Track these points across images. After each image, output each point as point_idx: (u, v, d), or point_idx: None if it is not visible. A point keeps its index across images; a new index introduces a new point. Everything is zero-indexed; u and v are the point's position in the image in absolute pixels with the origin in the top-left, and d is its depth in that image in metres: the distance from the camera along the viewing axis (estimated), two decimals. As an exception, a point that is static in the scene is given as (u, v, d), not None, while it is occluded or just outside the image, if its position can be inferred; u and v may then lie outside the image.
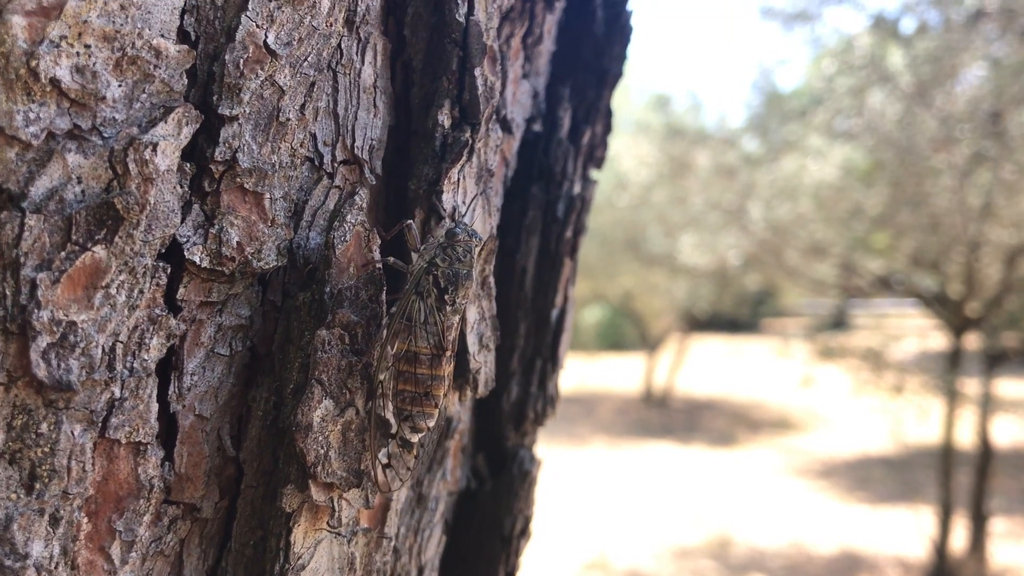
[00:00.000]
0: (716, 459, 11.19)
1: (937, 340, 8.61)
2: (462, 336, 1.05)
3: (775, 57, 6.11)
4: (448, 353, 1.00)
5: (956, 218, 6.65)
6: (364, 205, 1.01)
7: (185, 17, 0.89)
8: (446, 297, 0.98)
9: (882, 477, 10.03)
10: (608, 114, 1.32)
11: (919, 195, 6.61)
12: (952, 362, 7.11)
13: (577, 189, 1.24)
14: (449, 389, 1.03)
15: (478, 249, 1.00)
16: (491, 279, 1.08)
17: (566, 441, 12.24)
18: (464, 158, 1.01)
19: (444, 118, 0.99)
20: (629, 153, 8.06)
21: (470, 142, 1.00)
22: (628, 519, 8.26)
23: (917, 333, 13.11)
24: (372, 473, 1.00)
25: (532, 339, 1.26)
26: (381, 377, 1.00)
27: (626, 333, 24.20)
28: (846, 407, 13.82)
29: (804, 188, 7.05)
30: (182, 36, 0.90)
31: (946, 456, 7.15)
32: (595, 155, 1.34)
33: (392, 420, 1.02)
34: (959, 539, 7.14)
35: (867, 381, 7.21)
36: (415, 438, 1.03)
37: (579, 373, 17.75)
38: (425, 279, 0.99)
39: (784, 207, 7.14)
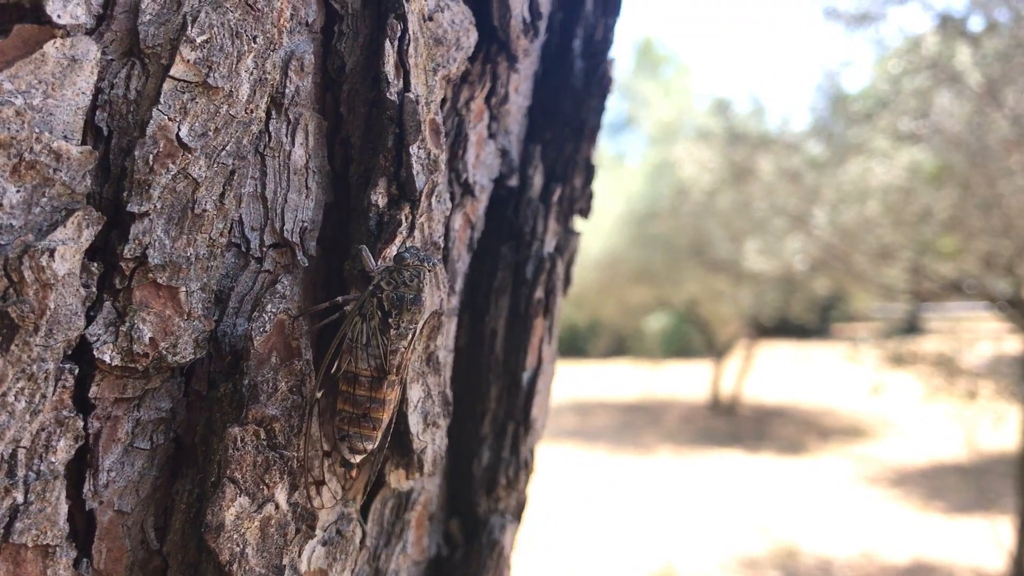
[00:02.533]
0: (785, 467, 11.02)
1: (1012, 344, 8.38)
2: (403, 416, 1.04)
3: (839, 59, 6.03)
4: (391, 377, 0.98)
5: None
6: (288, 292, 1.00)
7: (97, 112, 0.89)
8: (390, 320, 0.97)
9: (957, 486, 9.78)
10: (588, 166, 1.30)
11: (991, 197, 6.44)
12: (1028, 367, 6.92)
13: (550, 247, 1.22)
14: (394, 415, 1.02)
15: (431, 276, 0.98)
16: (438, 354, 1.07)
17: (632, 450, 12.18)
18: (403, 235, 1.00)
19: (378, 197, 0.98)
20: (691, 159, 8.00)
21: (410, 219, 0.99)
22: (694, 528, 8.18)
23: (992, 337, 12.80)
24: (304, 493, 1.00)
25: (504, 402, 1.24)
26: (318, 395, 0.99)
27: (692, 340, 24.00)
28: (919, 414, 13.52)
29: (871, 191, 6.92)
30: (95, 132, 0.89)
31: (1023, 465, 6.95)
32: (575, 208, 1.33)
33: (327, 440, 1.01)
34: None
35: (939, 387, 7.05)
36: (355, 459, 1.02)
37: (644, 381, 17.65)
38: (370, 302, 0.98)
39: (851, 211, 7.01)
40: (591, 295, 16.28)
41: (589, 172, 1.27)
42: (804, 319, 17.75)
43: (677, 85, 15.13)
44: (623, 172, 16.09)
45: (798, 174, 6.98)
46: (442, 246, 1.08)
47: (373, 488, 1.08)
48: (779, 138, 7.11)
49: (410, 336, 0.98)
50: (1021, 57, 5.77)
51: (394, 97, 0.95)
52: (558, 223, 1.25)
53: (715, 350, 16.47)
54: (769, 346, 24.03)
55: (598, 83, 1.21)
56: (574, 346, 26.23)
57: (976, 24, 6.19)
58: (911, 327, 25.21)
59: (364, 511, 1.07)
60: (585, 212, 1.34)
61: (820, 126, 6.87)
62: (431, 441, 1.08)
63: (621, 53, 55.09)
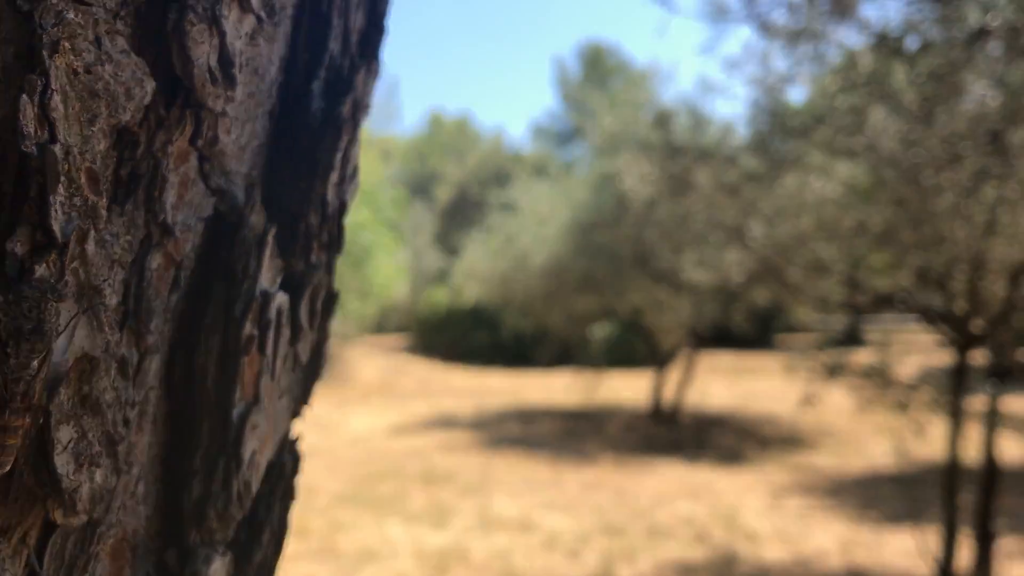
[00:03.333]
0: (724, 476, 11.15)
1: (944, 357, 8.58)
2: (48, 457, 1.05)
3: (778, 74, 6.15)
4: (15, 405, 0.99)
5: (960, 236, 6.65)
6: None
7: None
8: (8, 350, 0.98)
9: (890, 495, 9.97)
10: (323, 203, 1.33)
11: (923, 213, 6.60)
12: (957, 379, 7.07)
13: (266, 284, 1.25)
14: (20, 442, 1.02)
15: (72, 314, 0.99)
16: (99, 396, 1.08)
17: (574, 457, 12.23)
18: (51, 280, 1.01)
19: (16, 245, 1.00)
20: (631, 171, 8.09)
21: (57, 265, 1.01)
22: (632, 536, 8.24)
23: (926, 350, 13.06)
24: None
25: (216, 437, 1.26)
26: None
27: (636, 349, 24.22)
28: (857, 424, 13.77)
29: (806, 205, 7.05)
30: None
31: (950, 474, 7.10)
32: (312, 244, 1.36)
33: None
34: (965, 558, 7.09)
35: (871, 399, 7.19)
36: None
37: (589, 389, 17.75)
38: None
39: (786, 225, 7.14)
40: (537, 303, 16.35)
41: (325, 209, 1.30)
42: (746, 329, 18.02)
43: (625, 96, 15.25)
44: (570, 182, 16.19)
45: (736, 187, 7.09)
46: (109, 290, 1.08)
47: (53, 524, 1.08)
48: (718, 151, 7.22)
49: (37, 366, 0.98)
50: (953, 77, 5.91)
51: (33, 149, 0.97)
52: (285, 260, 1.27)
53: (658, 359, 16.61)
54: (711, 356, 24.33)
55: (333, 124, 1.23)
56: (520, 354, 26.32)
57: (911, 44, 6.33)
58: (850, 339, 25.74)
59: (42, 546, 1.07)
60: (331, 247, 1.37)
61: (758, 140, 6.98)
62: (88, 480, 1.07)
63: (569, 63, 55.31)
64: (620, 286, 14.58)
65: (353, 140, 1.32)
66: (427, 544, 7.93)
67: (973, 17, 5.82)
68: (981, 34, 5.64)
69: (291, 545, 7.78)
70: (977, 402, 7.36)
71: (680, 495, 9.95)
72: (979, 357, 7.68)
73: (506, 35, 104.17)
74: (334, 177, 1.30)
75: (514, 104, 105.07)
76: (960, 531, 7.05)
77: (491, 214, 18.04)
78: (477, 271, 17.30)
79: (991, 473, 7.28)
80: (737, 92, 16.00)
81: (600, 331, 19.01)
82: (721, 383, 21.10)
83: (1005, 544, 7.92)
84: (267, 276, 1.25)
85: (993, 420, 7.12)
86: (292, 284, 1.29)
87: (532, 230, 15.78)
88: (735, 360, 24.75)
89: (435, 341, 27.82)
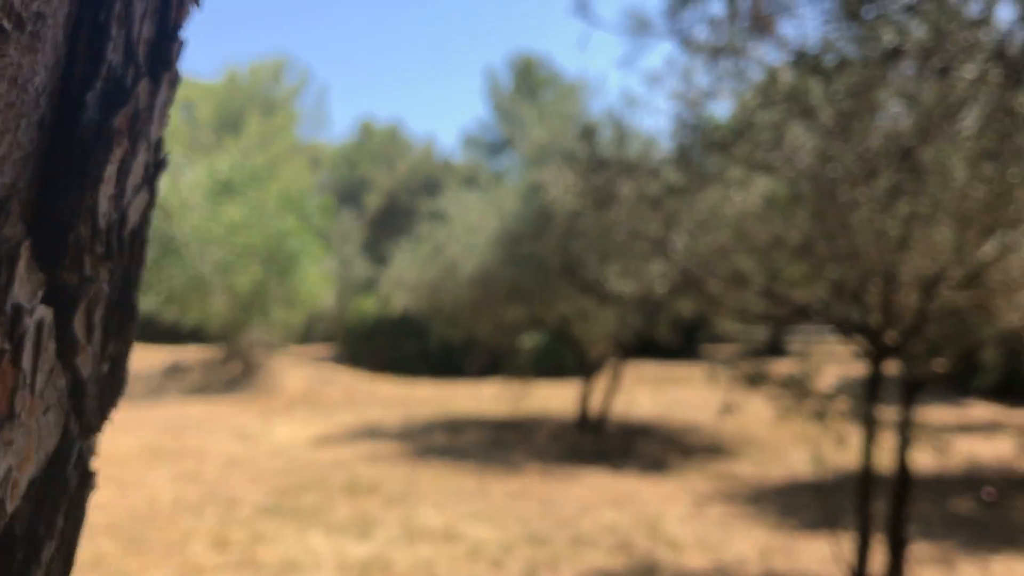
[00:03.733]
0: (648, 484, 11.26)
1: (861, 368, 8.79)
2: None
3: (700, 90, 6.27)
4: None
5: (874, 250, 6.83)
6: None
7: None
8: None
9: (809, 503, 10.18)
10: (94, 215, 1.35)
11: (839, 227, 6.76)
12: (871, 390, 7.25)
13: (22, 298, 1.27)
14: None
15: None
16: None
17: (500, 467, 12.25)
18: None
19: None
20: (556, 182, 8.17)
21: None
22: (556, 544, 8.28)
23: (844, 360, 13.35)
24: None
25: None
26: None
27: (564, 359, 24.36)
28: (778, 432, 14.02)
29: (726, 219, 7.18)
30: None
31: (864, 482, 7.27)
32: (84, 255, 1.38)
33: None
34: (879, 564, 7.26)
35: (789, 408, 7.32)
36: None
37: (517, 399, 17.79)
38: None
39: (707, 237, 7.27)
40: (465, 313, 16.36)
41: (98, 221, 1.31)
42: (673, 339, 18.23)
43: (554, 108, 15.37)
44: (500, 192, 16.25)
45: (658, 200, 7.19)
46: None
47: None
48: (641, 164, 7.31)
49: None
50: (868, 95, 6.07)
51: None
52: (50, 273, 1.28)
53: (585, 369, 16.73)
54: (638, 366, 24.57)
55: (106, 135, 1.25)
56: (449, 364, 26.28)
57: (829, 61, 6.48)
58: (773, 349, 26.31)
59: None
60: (113, 260, 1.38)
61: (681, 154, 7.10)
62: None
63: (501, 74, 55.57)
64: (548, 296, 14.68)
65: (134, 152, 1.31)
66: (350, 555, 7.87)
67: (888, 37, 5.96)
68: (895, 53, 5.80)
69: (211, 557, 7.67)
70: (891, 412, 7.55)
71: (605, 504, 10.03)
72: (893, 368, 7.89)
73: (439, 45, 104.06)
74: (108, 189, 1.29)
75: (446, 114, 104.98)
76: (874, 537, 7.21)
77: (421, 223, 18.00)
78: (405, 280, 17.25)
79: (904, 481, 7.48)
80: (660, 106, 16.23)
81: (528, 341, 19.09)
82: (647, 392, 21.33)
83: (917, 550, 8.14)
84: (24, 289, 1.24)
85: (906, 429, 7.32)
86: (63, 297, 1.28)
87: (461, 239, 15.80)
88: (661, 370, 25.04)
89: (362, 351, 27.63)
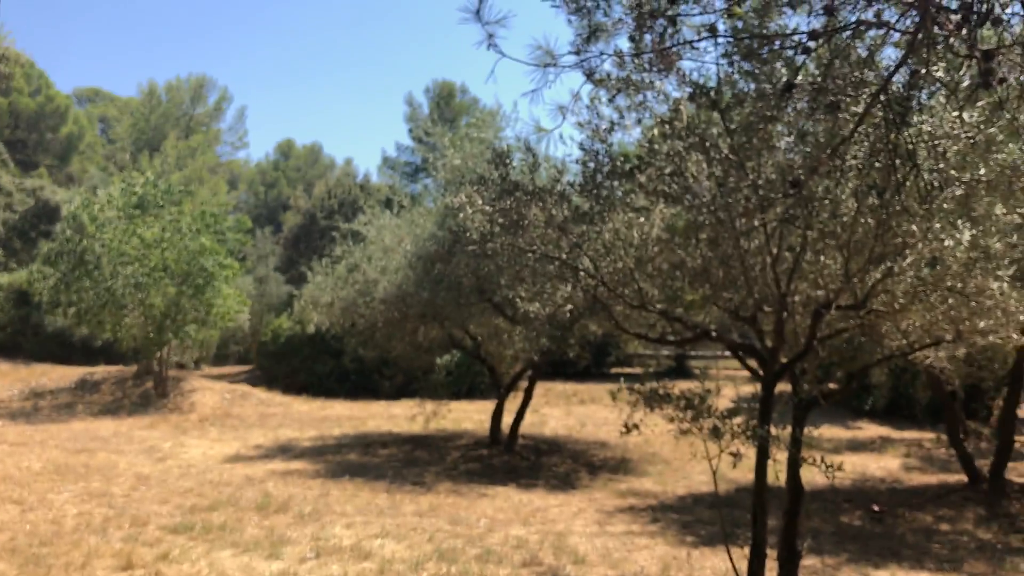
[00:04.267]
0: (556, 501, 11.51)
1: (755, 388, 9.18)
2: None
3: (606, 120, 6.56)
4: None
5: (768, 276, 7.22)
6: None
7: None
8: None
9: (709, 518, 10.53)
10: None
11: (735, 254, 7.10)
12: (765, 409, 7.61)
13: None
14: None
15: None
16: None
17: (412, 485, 12.38)
18: None
19: None
20: (467, 205, 8.40)
21: None
22: (464, 561, 8.44)
23: (742, 380, 13.82)
24: None
25: None
26: None
27: (478, 378, 24.58)
28: (680, 449, 14.42)
29: (630, 243, 7.51)
30: None
31: (759, 498, 7.61)
32: None
33: None
34: (771, 576, 7.59)
35: (687, 427, 7.63)
36: None
37: (431, 418, 17.90)
38: None
39: (611, 261, 7.59)
40: (381, 332, 16.45)
41: None
42: (582, 359, 18.59)
43: (470, 134, 15.62)
44: (416, 214, 16.42)
45: (566, 224, 7.48)
46: None
47: None
48: (551, 190, 7.59)
49: None
50: (763, 128, 6.43)
51: None
52: None
53: (498, 388, 16.96)
54: (550, 385, 24.89)
55: None
56: (364, 384, 26.24)
57: (726, 96, 6.84)
58: (679, 369, 26.93)
59: None
60: None
61: (587, 180, 7.39)
62: None
63: (421, 100, 55.67)
64: (462, 316, 14.89)
65: None
66: (259, 574, 7.92)
67: (781, 74, 6.32)
68: (789, 89, 6.13)
69: (116, 576, 7.63)
70: (784, 430, 7.91)
71: (513, 521, 10.24)
72: (785, 388, 8.28)
73: (360, 71, 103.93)
74: None
75: (365, 137, 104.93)
76: (768, 551, 7.55)
77: (338, 243, 18.05)
78: (321, 300, 17.28)
79: (796, 497, 7.86)
80: (572, 134, 16.63)
81: (443, 360, 19.24)
82: (557, 410, 21.68)
83: (808, 563, 8.52)
84: None
85: (797, 446, 7.69)
86: None
87: (377, 260, 15.93)
88: (571, 388, 25.40)
89: (277, 370, 27.42)
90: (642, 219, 7.63)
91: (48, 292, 22.03)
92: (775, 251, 7.17)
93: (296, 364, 26.85)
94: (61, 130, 53.56)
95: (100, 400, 21.51)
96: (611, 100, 7.26)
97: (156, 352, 21.91)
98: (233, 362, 36.82)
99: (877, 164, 6.09)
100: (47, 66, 75.29)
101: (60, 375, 23.93)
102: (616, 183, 7.50)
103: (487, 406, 19.66)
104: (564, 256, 7.79)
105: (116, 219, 21.40)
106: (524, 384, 17.32)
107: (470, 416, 20.58)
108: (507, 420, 16.57)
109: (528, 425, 17.84)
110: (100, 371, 24.57)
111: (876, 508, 11.12)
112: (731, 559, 7.45)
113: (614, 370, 28.92)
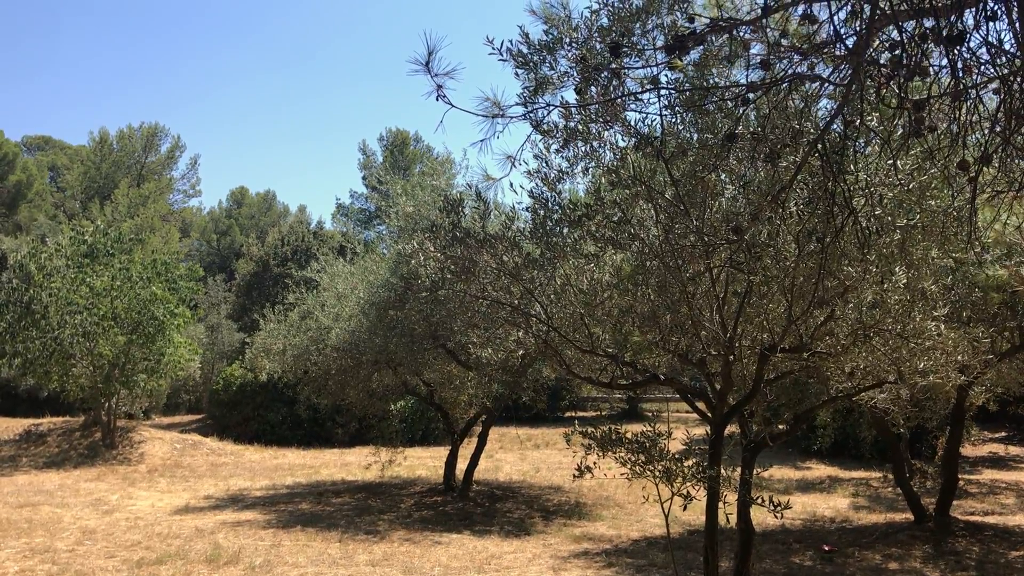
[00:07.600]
0: (510, 547, 11.51)
1: (706, 430, 9.32)
2: None
3: (555, 169, 6.70)
4: None
5: (715, 320, 7.39)
6: None
7: None
8: None
9: (664, 561, 10.59)
10: None
11: (683, 299, 7.26)
12: (715, 451, 7.74)
13: None
14: None
15: None
16: None
17: (365, 534, 12.30)
18: None
19: None
20: (418, 252, 8.50)
21: None
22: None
23: (692, 422, 13.98)
24: None
25: None
26: None
27: (433, 424, 24.53)
28: (633, 492, 14.49)
29: (580, 289, 7.65)
30: None
31: (710, 539, 7.71)
32: None
33: None
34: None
35: (639, 469, 7.73)
36: None
37: (385, 466, 17.82)
38: None
39: (561, 307, 7.72)
40: (334, 380, 16.39)
41: None
42: (536, 404, 18.68)
43: (422, 182, 15.76)
44: (369, 261, 16.47)
45: (517, 270, 7.61)
46: None
47: None
48: (501, 237, 7.72)
49: None
50: (707, 176, 6.62)
51: None
52: None
53: (452, 434, 16.96)
54: (504, 430, 24.90)
55: None
56: (317, 432, 26.05)
57: (670, 146, 7.03)
58: (631, 413, 27.17)
59: None
60: None
61: (537, 227, 7.53)
62: None
63: (375, 148, 56.01)
64: (415, 363, 14.90)
65: None
66: (211, 623, 7.85)
67: (723, 124, 6.53)
68: (730, 139, 6.33)
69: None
70: (734, 471, 8.03)
71: (468, 568, 10.22)
72: (735, 430, 8.43)
73: (316, 119, 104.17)
74: None
75: (318, 185, 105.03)
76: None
77: (291, 290, 18.03)
78: (274, 347, 17.20)
79: (747, 538, 7.98)
80: (522, 183, 16.86)
81: (397, 407, 19.21)
82: (512, 455, 21.68)
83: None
84: None
85: (747, 488, 7.83)
86: None
87: (331, 307, 15.93)
88: (526, 433, 25.43)
89: (229, 419, 27.12)
90: (592, 265, 7.78)
91: (-8, 343, 21.65)
92: (721, 295, 7.34)
93: (248, 412, 26.58)
94: (9, 178, 52.92)
95: (46, 452, 21.10)
96: (559, 150, 7.41)
97: (104, 402, 21.60)
98: (184, 411, 36.34)
99: (816, 211, 6.28)
100: (-6, 114, 74.63)
101: (4, 427, 23.46)
102: (566, 230, 7.66)
103: (441, 452, 19.62)
104: (516, 302, 7.90)
105: (64, 267, 21.18)
106: (478, 429, 17.33)
107: (424, 462, 20.51)
108: (461, 466, 16.55)
109: (482, 471, 17.82)
110: (46, 422, 24.11)
111: (826, 548, 11.26)
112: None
113: (568, 414, 29.05)
